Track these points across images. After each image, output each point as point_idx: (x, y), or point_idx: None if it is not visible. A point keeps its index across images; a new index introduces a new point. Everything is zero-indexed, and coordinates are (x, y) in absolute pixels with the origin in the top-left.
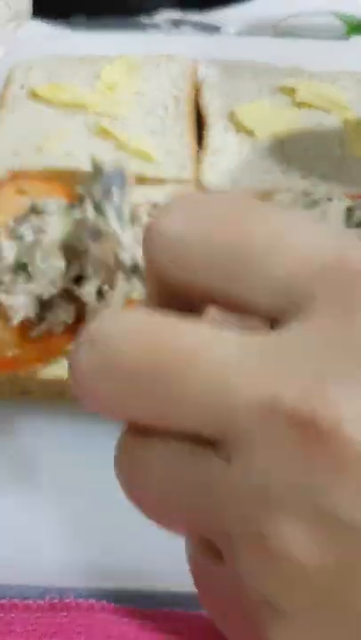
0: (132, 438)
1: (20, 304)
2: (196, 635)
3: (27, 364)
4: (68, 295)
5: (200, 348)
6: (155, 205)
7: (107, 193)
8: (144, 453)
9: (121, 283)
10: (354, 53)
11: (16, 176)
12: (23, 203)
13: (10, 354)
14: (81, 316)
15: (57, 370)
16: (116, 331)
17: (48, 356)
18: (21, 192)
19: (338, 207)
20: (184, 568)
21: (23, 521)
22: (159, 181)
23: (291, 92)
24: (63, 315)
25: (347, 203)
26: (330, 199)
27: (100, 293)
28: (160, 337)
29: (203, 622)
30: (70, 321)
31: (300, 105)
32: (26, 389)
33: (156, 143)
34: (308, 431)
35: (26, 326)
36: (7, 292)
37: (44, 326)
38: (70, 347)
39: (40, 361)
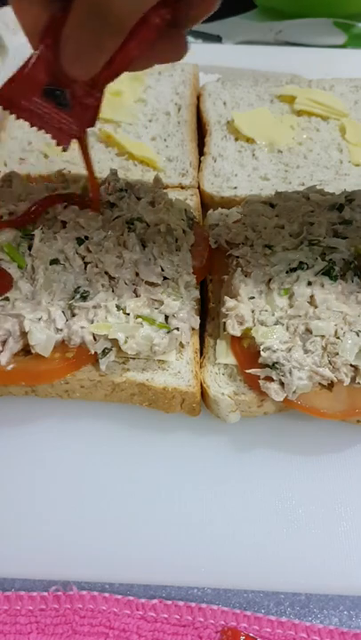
0: None
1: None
2: (196, 626)
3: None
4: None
5: None
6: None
7: None
8: None
9: None
10: (352, 61)
11: None
12: None
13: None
14: None
15: None
16: None
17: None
18: None
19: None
20: (185, 563)
21: (27, 515)
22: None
23: (290, 99)
24: None
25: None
26: (334, 250)
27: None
28: None
29: (203, 613)
30: None
31: (298, 112)
32: (33, 389)
33: (158, 150)
34: None
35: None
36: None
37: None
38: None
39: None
